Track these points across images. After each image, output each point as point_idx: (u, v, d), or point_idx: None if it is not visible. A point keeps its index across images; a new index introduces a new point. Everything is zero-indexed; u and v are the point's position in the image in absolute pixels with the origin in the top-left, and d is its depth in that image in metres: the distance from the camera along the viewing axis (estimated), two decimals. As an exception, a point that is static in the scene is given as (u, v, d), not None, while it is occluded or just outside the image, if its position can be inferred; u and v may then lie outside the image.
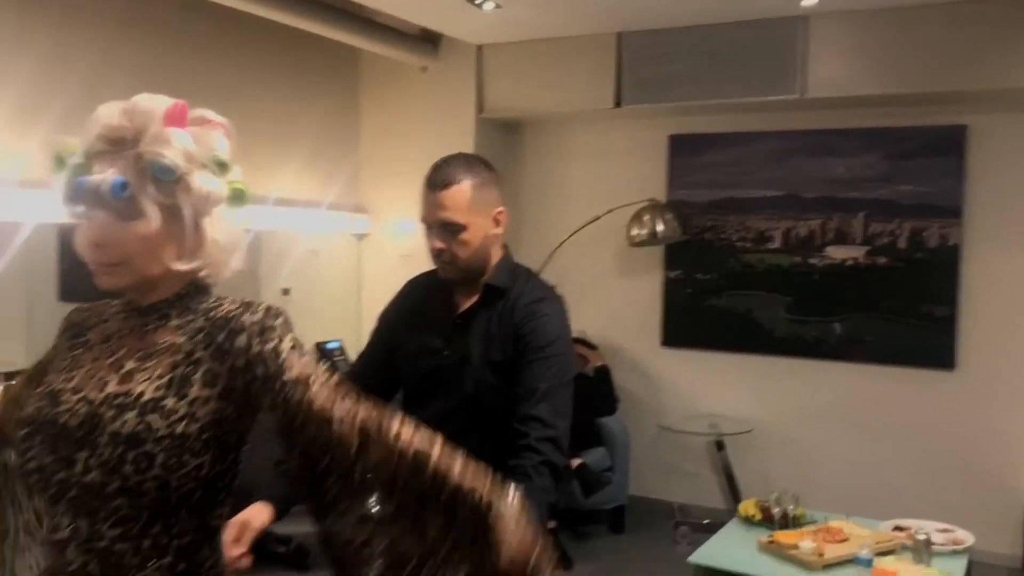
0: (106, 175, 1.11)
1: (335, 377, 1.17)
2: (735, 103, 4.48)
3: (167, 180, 1.12)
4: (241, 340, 1.15)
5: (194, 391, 1.13)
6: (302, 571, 2.64)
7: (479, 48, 4.93)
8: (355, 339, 5.31)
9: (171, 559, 1.13)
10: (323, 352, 4.61)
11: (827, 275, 4.64)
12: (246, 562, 1.62)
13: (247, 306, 1.19)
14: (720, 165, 4.86)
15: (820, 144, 4.63)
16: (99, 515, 1.11)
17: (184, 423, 1.10)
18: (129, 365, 1.16)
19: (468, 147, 4.97)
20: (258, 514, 1.74)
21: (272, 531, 2.71)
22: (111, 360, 1.17)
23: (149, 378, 1.13)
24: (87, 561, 1.12)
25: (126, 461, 1.08)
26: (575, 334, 4.85)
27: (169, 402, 1.11)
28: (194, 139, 1.16)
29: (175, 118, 1.15)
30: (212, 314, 1.19)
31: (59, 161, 1.13)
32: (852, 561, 2.83)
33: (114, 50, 3.76)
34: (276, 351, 1.15)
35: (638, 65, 4.58)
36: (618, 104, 4.64)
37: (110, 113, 1.14)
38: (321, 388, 1.13)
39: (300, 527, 2.83)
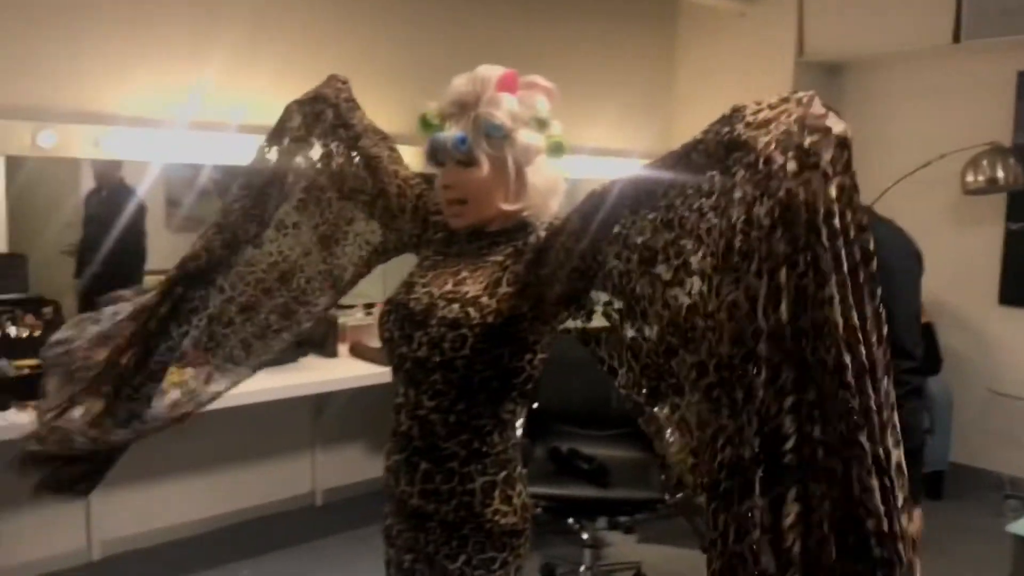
0: (451, 132, 1.39)
1: None
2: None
3: (496, 136, 1.37)
4: (533, 238, 1.42)
5: (502, 290, 1.37)
6: (602, 487, 2.87)
7: (800, -12, 4.76)
8: (663, 285, 5.46)
9: (468, 436, 1.39)
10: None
11: None
12: None
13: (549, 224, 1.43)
14: (1081, 102, 4.28)
15: None
16: (422, 387, 1.40)
17: (492, 316, 1.35)
18: (463, 274, 1.43)
19: (786, 92, 4.82)
20: None
21: (577, 450, 2.98)
22: (453, 270, 1.45)
23: (475, 283, 1.40)
24: (411, 426, 1.42)
25: (446, 340, 1.35)
26: (895, 288, 4.60)
27: (484, 299, 1.37)
28: (519, 101, 1.40)
29: (506, 84, 1.40)
30: (530, 240, 1.43)
31: (423, 122, 1.42)
32: None
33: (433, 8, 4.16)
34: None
35: (982, -6, 4.16)
36: (957, 39, 4.25)
37: (460, 82, 1.41)
38: None
39: (603, 449, 3.07)
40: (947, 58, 4.63)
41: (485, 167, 1.38)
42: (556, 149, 1.44)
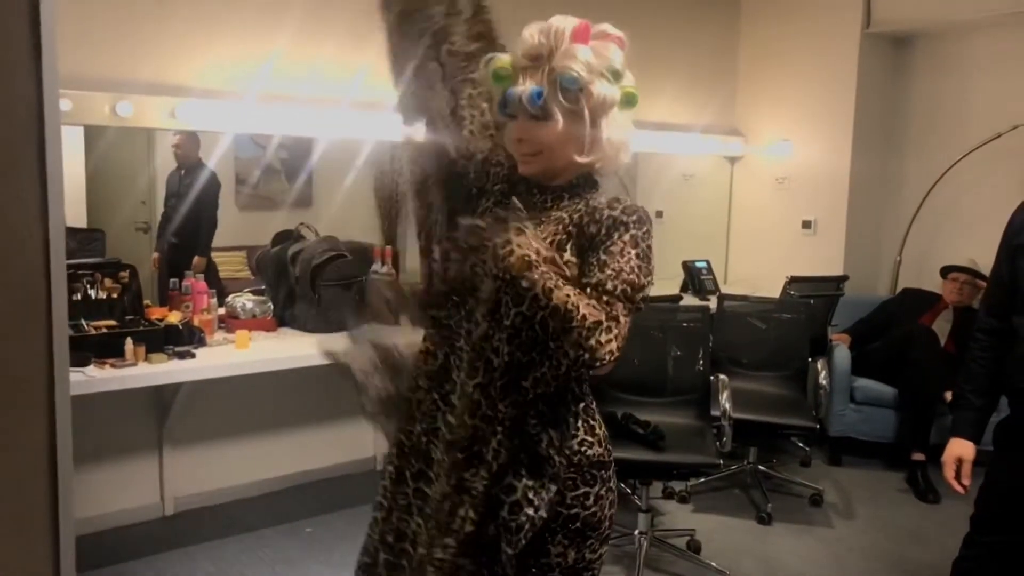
0: (527, 86, 1.37)
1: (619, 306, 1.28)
2: None
3: (573, 89, 1.36)
4: (592, 228, 1.36)
5: (565, 255, 1.36)
6: (657, 451, 2.90)
7: (868, -42, 4.66)
8: (722, 259, 5.43)
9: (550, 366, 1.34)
10: (690, 270, 4.79)
11: None
12: (963, 490, 2.16)
13: (615, 201, 1.39)
14: None
15: None
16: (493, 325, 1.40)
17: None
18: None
19: (851, 65, 4.76)
20: (966, 449, 2.17)
21: (633, 415, 3.00)
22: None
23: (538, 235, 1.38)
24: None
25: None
26: (964, 262, 4.51)
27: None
28: (594, 53, 1.37)
29: (580, 35, 1.37)
30: (591, 203, 1.40)
31: (495, 75, 1.40)
32: None
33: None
34: (611, 243, 1.33)
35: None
36: (1031, 6, 4.13)
37: (531, 33, 1.38)
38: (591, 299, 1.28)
39: (658, 416, 3.09)
40: (1020, 26, 4.49)
41: (560, 121, 1.37)
42: (629, 100, 1.41)
